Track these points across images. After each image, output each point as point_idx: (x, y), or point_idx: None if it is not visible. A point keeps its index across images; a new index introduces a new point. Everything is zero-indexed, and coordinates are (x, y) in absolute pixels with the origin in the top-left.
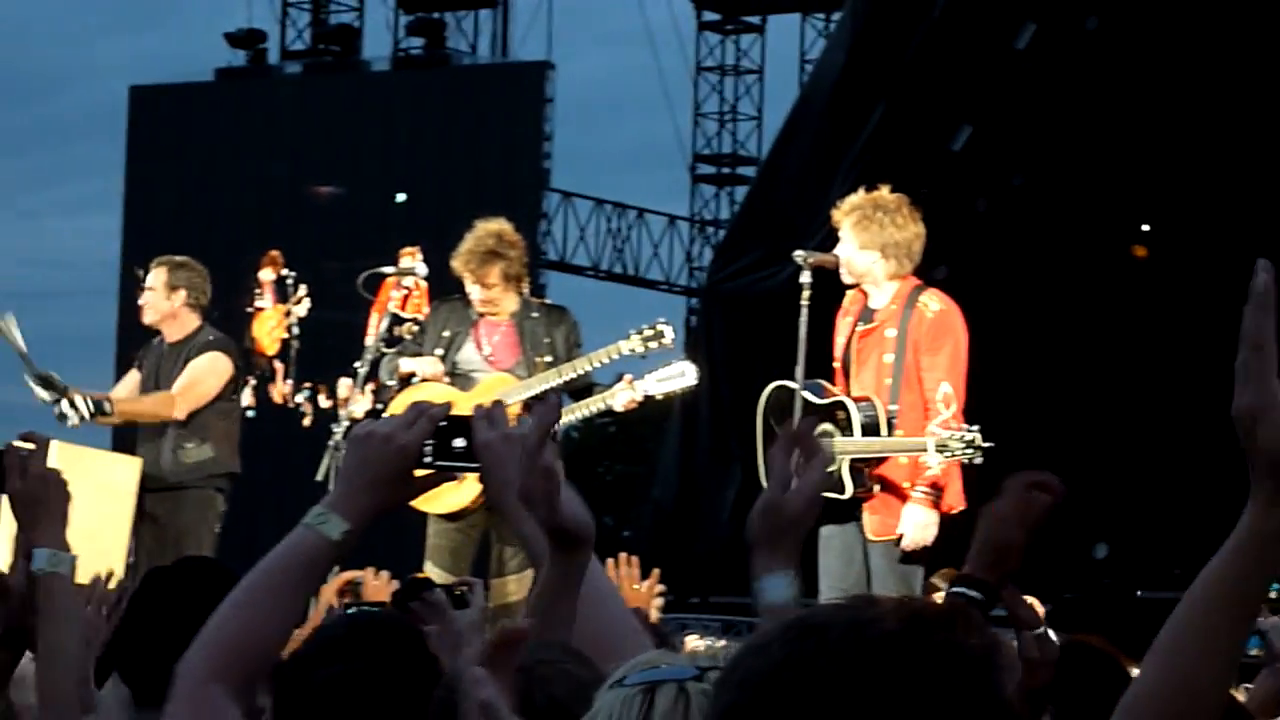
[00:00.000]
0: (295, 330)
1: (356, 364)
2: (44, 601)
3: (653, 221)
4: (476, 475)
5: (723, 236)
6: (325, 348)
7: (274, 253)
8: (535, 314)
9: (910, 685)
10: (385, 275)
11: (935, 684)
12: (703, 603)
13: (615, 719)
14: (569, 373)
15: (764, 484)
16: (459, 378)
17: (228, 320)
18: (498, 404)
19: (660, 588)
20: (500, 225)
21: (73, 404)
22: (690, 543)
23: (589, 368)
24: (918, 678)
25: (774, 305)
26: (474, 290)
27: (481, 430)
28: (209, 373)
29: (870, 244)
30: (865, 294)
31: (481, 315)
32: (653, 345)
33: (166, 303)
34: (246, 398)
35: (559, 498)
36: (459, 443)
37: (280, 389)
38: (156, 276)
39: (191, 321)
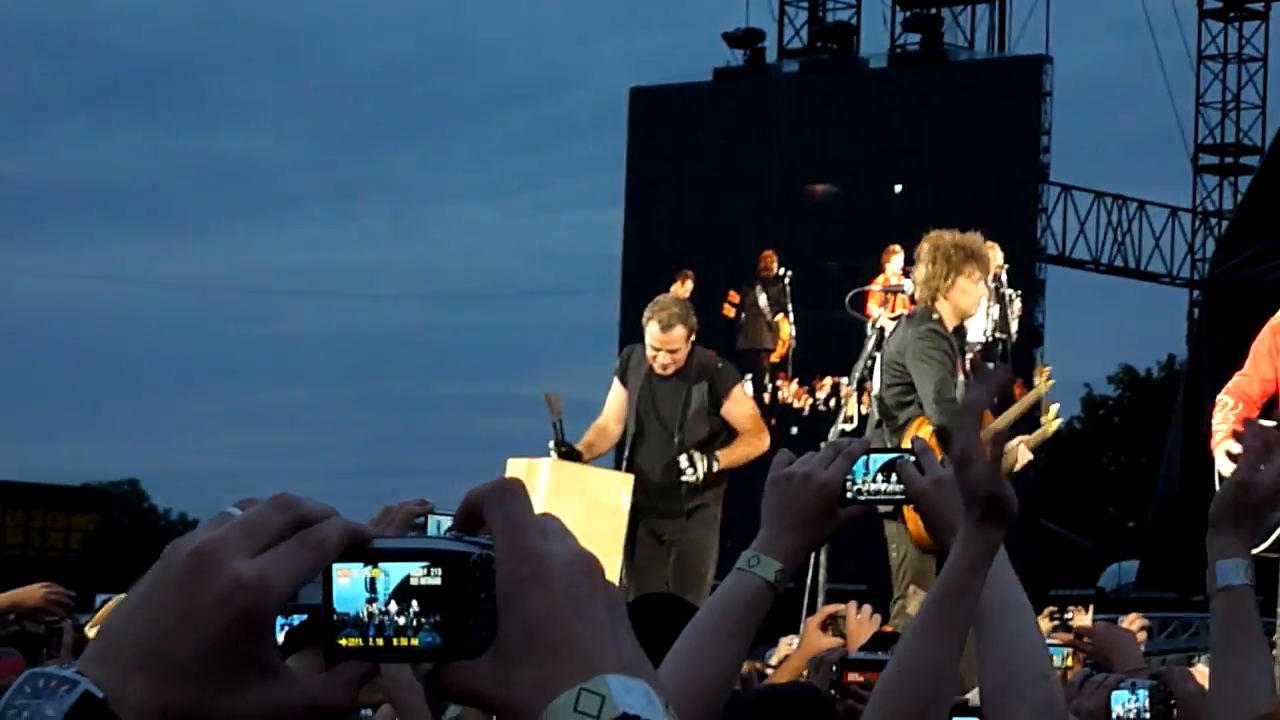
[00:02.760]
0: (793, 330)
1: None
2: None
3: (1154, 213)
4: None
5: (1226, 228)
6: (823, 347)
7: (769, 253)
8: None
9: None
10: (869, 291)
11: None
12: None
13: None
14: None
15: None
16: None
17: (723, 322)
18: (926, 449)
19: (1142, 621)
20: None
21: (691, 463)
22: (1193, 540)
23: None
24: None
25: (1278, 298)
26: (968, 287)
27: (932, 469)
28: (746, 400)
29: None
30: None
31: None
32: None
33: (686, 348)
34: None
35: (986, 464)
36: (893, 477)
37: (788, 389)
38: (679, 333)
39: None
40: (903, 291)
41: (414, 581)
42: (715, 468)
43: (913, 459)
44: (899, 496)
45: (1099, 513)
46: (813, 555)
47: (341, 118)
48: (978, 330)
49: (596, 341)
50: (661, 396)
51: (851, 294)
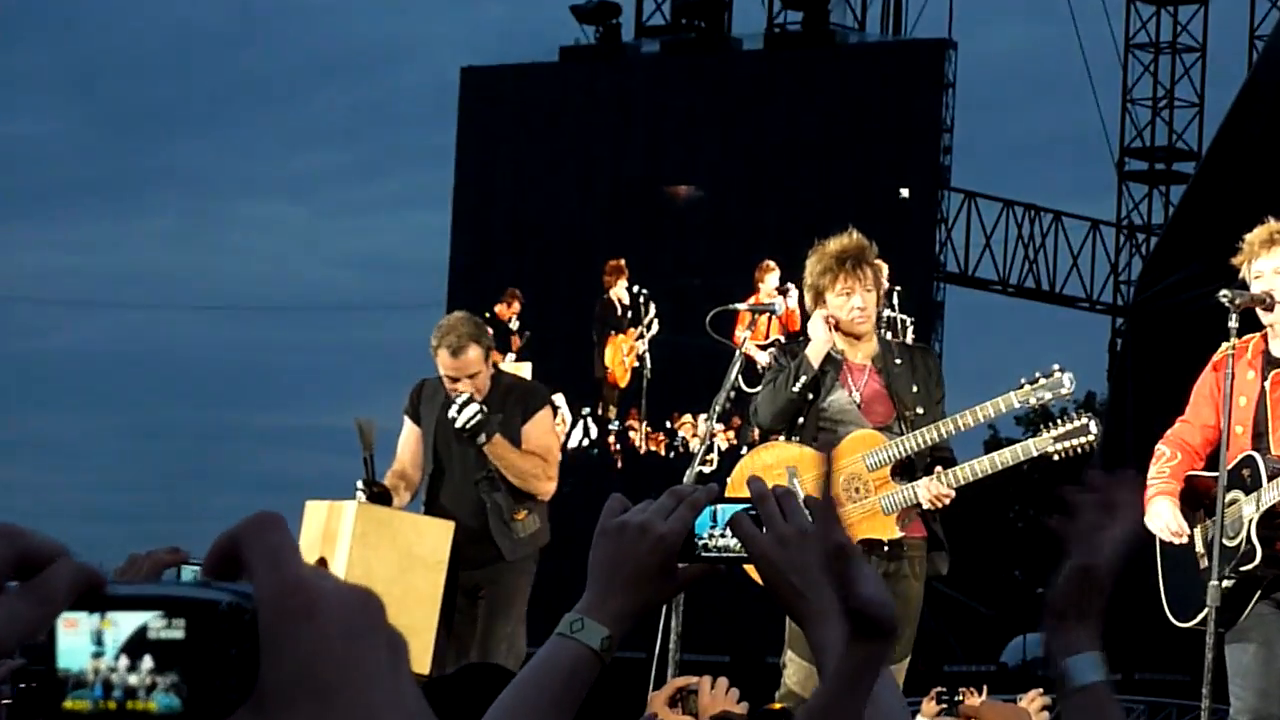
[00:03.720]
0: (646, 359)
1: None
2: None
3: (1072, 227)
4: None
5: (1155, 245)
6: (682, 379)
7: (619, 262)
8: (899, 359)
9: None
10: (736, 312)
11: None
12: (1126, 680)
13: None
14: (949, 429)
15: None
16: (825, 429)
17: (572, 346)
18: (787, 493)
19: (1044, 700)
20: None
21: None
22: (1114, 608)
23: (972, 423)
24: None
25: (1215, 329)
26: (837, 303)
27: (773, 523)
28: (551, 433)
29: None
30: (1266, 339)
31: (841, 353)
32: (1046, 397)
33: (486, 373)
34: (583, 432)
35: (857, 574)
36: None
37: (639, 429)
38: (473, 355)
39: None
40: (774, 312)
41: (151, 634)
42: (486, 437)
43: (752, 511)
44: (745, 555)
45: (1002, 576)
46: (664, 619)
47: (126, 97)
48: None
49: (419, 365)
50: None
51: (713, 314)
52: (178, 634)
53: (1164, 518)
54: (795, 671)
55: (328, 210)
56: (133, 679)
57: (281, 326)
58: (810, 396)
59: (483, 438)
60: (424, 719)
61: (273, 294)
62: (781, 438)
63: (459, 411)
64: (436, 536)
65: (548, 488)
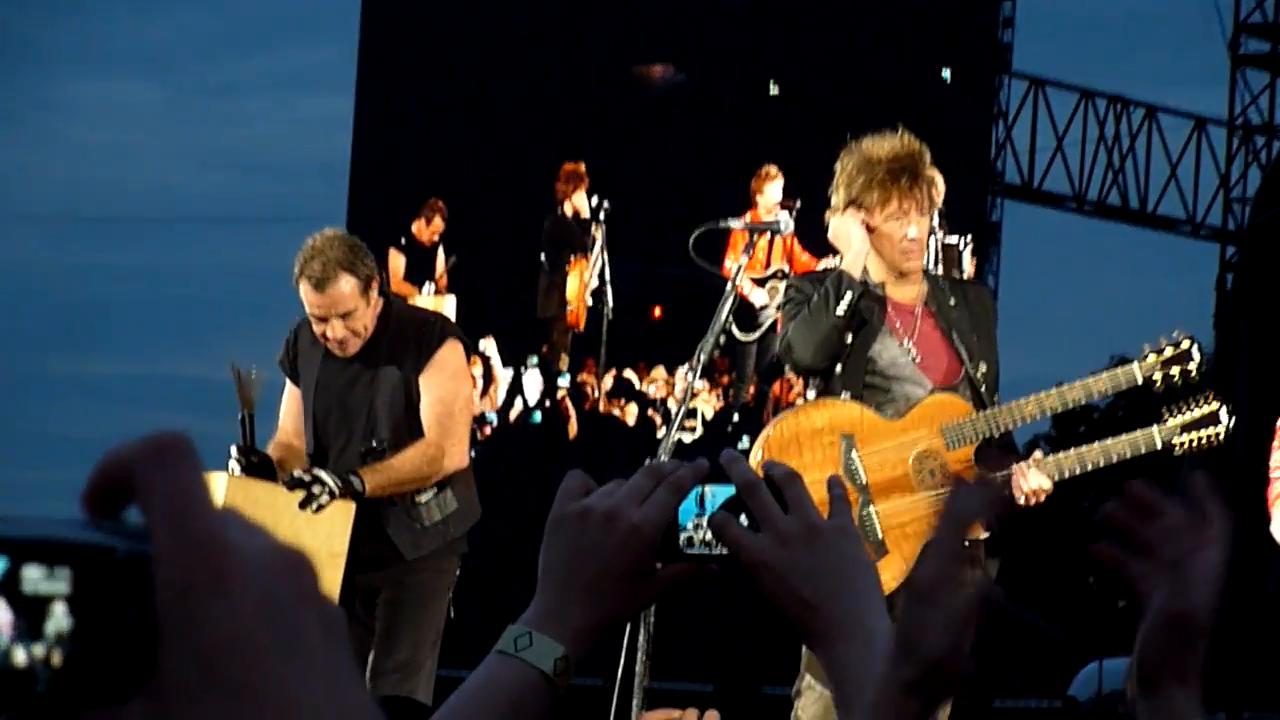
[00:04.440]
0: (607, 295)
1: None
2: None
3: (1170, 126)
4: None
5: (1279, 152)
6: (654, 320)
7: (577, 167)
8: (953, 300)
9: None
10: (729, 232)
11: None
12: None
13: None
14: (1052, 404)
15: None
16: (875, 388)
17: (510, 276)
18: (790, 476)
19: None
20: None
21: (316, 481)
22: (1226, 624)
23: (1083, 400)
24: None
25: None
26: (887, 230)
27: (770, 519)
28: (454, 378)
29: None
30: None
31: (882, 288)
32: (1173, 375)
33: (369, 310)
34: (534, 386)
35: (951, 617)
36: (740, 520)
37: (597, 386)
38: (345, 287)
39: (377, 303)
40: (777, 231)
41: (28, 588)
42: (359, 488)
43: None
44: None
45: (1074, 583)
46: (628, 634)
47: None
48: None
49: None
50: (346, 388)
51: (697, 234)
52: (59, 588)
53: None
54: (812, 702)
55: (189, 91)
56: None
57: (126, 244)
58: (854, 328)
59: (350, 497)
60: (364, 716)
61: (115, 202)
62: (846, 394)
63: (302, 504)
64: (333, 522)
65: (451, 463)
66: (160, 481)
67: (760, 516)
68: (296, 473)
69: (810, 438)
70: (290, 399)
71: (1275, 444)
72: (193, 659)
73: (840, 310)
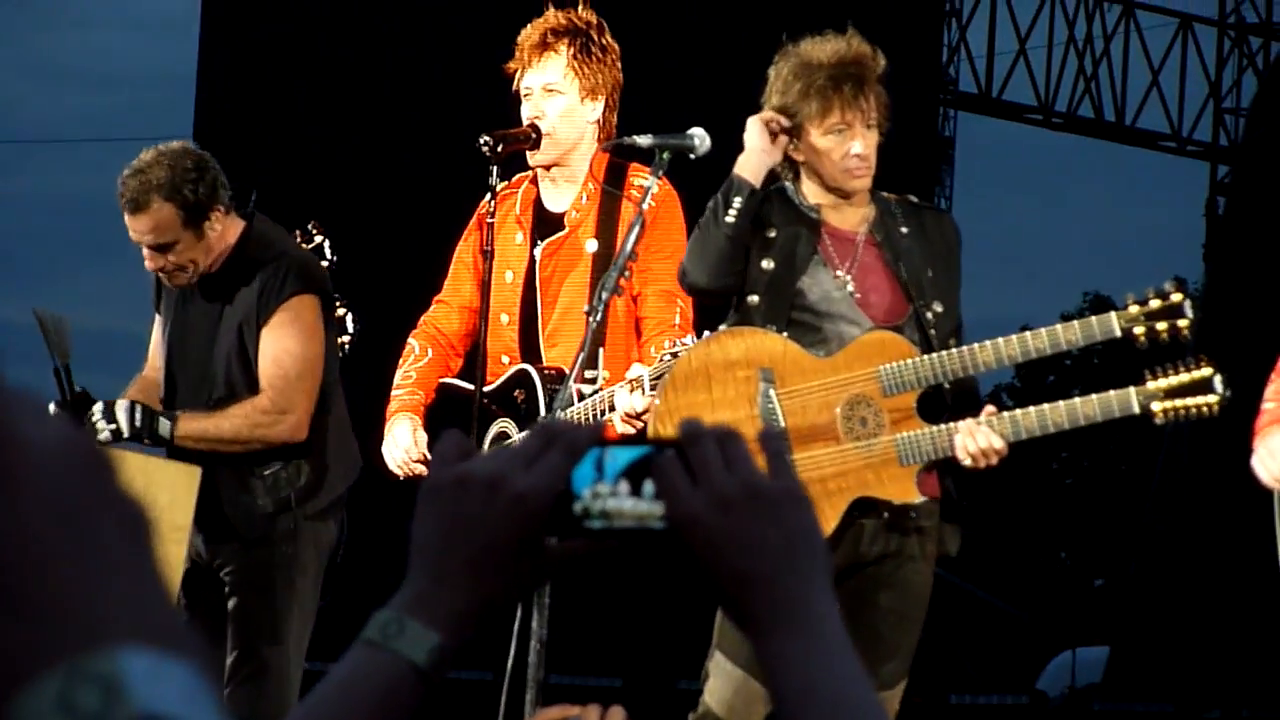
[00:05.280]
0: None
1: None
2: None
3: (1152, 25)
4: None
5: (1277, 57)
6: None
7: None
8: (904, 227)
9: None
10: (636, 148)
11: None
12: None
13: None
14: (1011, 351)
15: None
16: (803, 325)
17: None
18: (731, 435)
19: None
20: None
21: (111, 415)
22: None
23: (1048, 349)
24: None
25: None
26: (824, 144)
27: (710, 476)
28: (297, 337)
29: None
30: None
31: (818, 212)
32: (1159, 331)
33: (205, 241)
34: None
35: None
36: (647, 488)
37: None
38: (161, 211)
39: (230, 231)
40: (692, 150)
41: None
42: (166, 432)
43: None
44: (658, 523)
45: (1043, 559)
46: (519, 621)
47: None
48: None
49: None
50: (191, 331)
51: (604, 146)
52: None
53: None
54: (721, 685)
55: None
56: None
57: None
58: (755, 236)
59: (150, 439)
60: (173, 638)
61: None
62: (773, 327)
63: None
64: (175, 489)
65: (285, 433)
66: None
67: (699, 472)
68: (97, 406)
69: (722, 370)
70: (157, 334)
71: (1273, 375)
72: None
73: (729, 218)
